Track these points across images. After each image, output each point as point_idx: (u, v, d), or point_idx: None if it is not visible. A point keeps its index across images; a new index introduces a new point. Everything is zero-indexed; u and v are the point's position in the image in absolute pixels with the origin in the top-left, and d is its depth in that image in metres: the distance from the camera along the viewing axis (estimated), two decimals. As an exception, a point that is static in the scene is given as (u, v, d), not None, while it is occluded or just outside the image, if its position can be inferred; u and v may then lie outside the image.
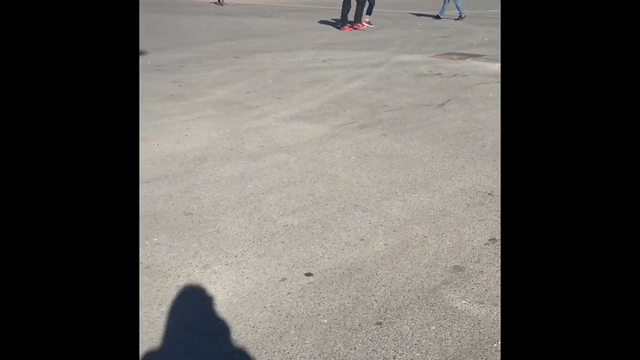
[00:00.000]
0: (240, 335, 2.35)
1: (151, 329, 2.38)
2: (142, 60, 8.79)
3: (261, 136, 5.00)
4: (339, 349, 2.27)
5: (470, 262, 2.88)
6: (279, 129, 5.21)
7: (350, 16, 12.27)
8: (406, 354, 2.24)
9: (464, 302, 2.55)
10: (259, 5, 19.17)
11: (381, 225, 3.29)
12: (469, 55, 8.87)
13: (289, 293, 2.63)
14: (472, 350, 2.25)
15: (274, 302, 2.56)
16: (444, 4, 13.59)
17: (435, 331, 2.37)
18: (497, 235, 3.12)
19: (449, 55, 8.98)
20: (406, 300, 2.57)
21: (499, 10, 12.97)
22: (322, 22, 14.17)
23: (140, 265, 2.84)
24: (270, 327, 2.40)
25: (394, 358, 2.22)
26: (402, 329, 2.38)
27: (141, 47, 10.05)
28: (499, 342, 2.26)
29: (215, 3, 19.98)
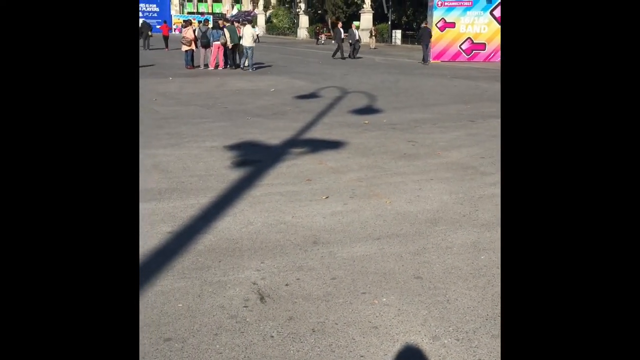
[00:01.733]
0: None
1: (376, 395, 2.29)
2: (378, 118, 9.12)
3: (496, 205, 4.74)
4: None
5: None
6: (516, 199, 4.89)
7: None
8: None
9: None
10: (496, 70, 18.90)
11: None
12: None
13: (527, 386, 2.34)
14: None
15: (510, 393, 2.30)
16: None
17: None
18: None
19: None
20: None
21: None
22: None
23: (368, 325, 2.79)
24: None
25: None
26: None
27: (378, 105, 10.48)
28: None
29: (420, 62, 21.36)
